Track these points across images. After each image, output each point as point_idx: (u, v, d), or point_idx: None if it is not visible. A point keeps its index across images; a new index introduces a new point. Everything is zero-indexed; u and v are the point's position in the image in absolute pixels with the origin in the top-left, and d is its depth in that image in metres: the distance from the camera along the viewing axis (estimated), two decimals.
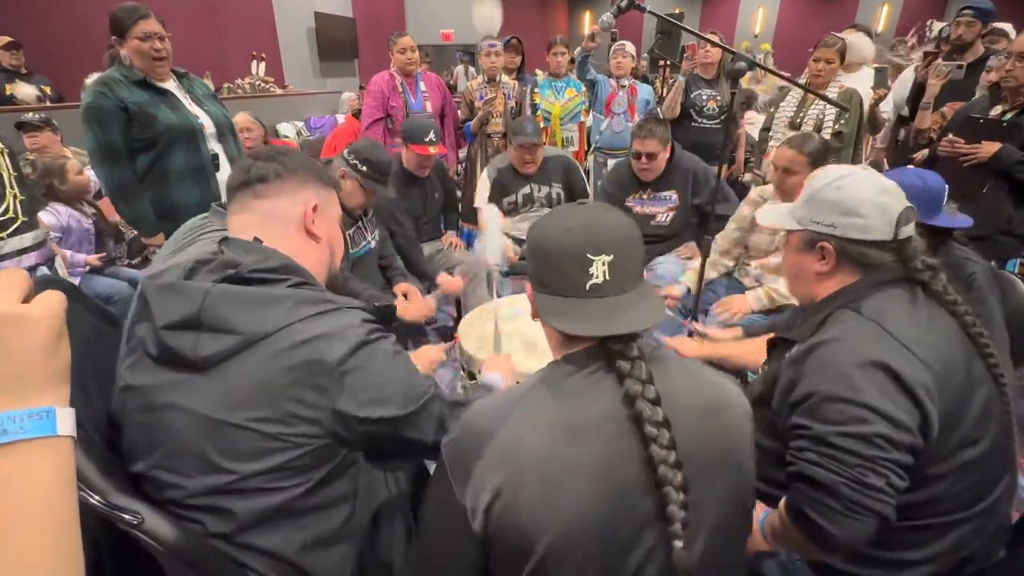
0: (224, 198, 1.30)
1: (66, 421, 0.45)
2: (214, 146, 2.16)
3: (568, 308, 0.71)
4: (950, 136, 2.30)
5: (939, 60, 2.92)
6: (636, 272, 0.74)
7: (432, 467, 0.83)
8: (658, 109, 3.63)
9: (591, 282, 0.70)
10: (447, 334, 2.95)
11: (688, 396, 0.70)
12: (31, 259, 1.46)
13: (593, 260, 0.70)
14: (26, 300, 0.44)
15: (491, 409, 0.71)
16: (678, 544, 0.61)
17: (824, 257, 0.97)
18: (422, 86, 3.19)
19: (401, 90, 3.10)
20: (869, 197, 0.92)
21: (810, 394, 0.86)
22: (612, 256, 0.70)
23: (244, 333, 0.74)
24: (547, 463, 0.64)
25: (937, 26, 4.29)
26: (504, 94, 3.31)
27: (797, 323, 1.03)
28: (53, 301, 0.45)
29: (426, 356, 1.43)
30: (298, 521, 0.79)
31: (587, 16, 11.50)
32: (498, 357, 1.41)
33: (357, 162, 1.87)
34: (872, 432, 0.80)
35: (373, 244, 2.12)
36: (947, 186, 1.31)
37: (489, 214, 2.10)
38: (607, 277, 0.70)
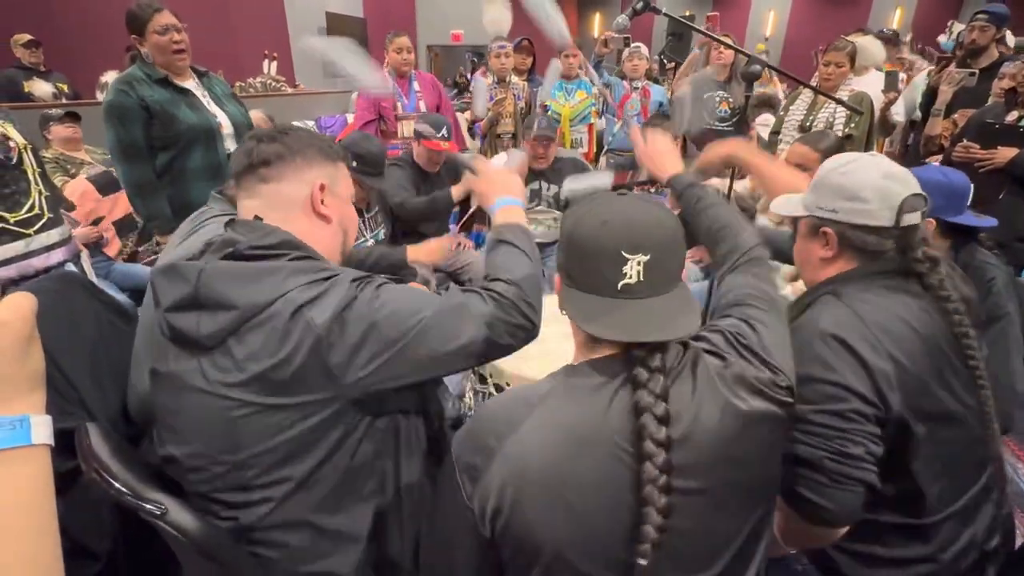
0: None
1: (41, 429, 0.42)
2: (231, 145, 2.18)
3: (596, 308, 0.67)
4: (965, 142, 2.28)
5: (951, 66, 2.89)
6: (674, 274, 0.70)
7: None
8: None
9: (623, 282, 0.66)
10: None
11: (710, 418, 0.66)
12: (58, 255, 1.46)
13: (628, 259, 0.65)
14: None
15: (504, 413, 0.69)
16: (642, 562, 0.60)
17: (827, 243, 0.97)
18: (416, 86, 3.15)
19: (393, 91, 3.06)
20: (872, 181, 0.90)
21: None
22: (649, 256, 0.65)
23: (241, 307, 0.73)
24: (555, 475, 0.63)
25: (957, 27, 4.26)
26: (514, 95, 3.32)
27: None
28: (23, 304, 0.43)
29: (427, 247, 1.25)
30: (322, 491, 0.79)
31: (597, 18, 11.48)
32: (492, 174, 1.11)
33: (355, 161, 1.87)
34: (847, 408, 0.83)
35: (371, 242, 2.11)
36: (971, 185, 1.30)
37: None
38: (641, 278, 0.66)
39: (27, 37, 3.93)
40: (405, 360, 0.77)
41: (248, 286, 0.74)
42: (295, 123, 5.57)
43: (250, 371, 0.73)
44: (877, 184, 0.90)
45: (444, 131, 2.35)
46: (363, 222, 2.07)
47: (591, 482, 0.63)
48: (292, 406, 0.74)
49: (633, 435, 0.62)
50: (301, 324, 0.73)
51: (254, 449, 0.75)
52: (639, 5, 1.62)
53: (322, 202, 0.89)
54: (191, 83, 2.09)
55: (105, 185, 2.66)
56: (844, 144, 2.15)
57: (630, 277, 0.66)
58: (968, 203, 1.30)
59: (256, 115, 3.14)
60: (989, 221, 1.31)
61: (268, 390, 0.73)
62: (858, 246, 0.94)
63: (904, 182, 0.91)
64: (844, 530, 0.87)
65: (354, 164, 1.85)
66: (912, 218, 0.89)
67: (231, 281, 0.75)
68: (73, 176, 2.93)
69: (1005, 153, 2.14)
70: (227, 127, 2.15)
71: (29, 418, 0.42)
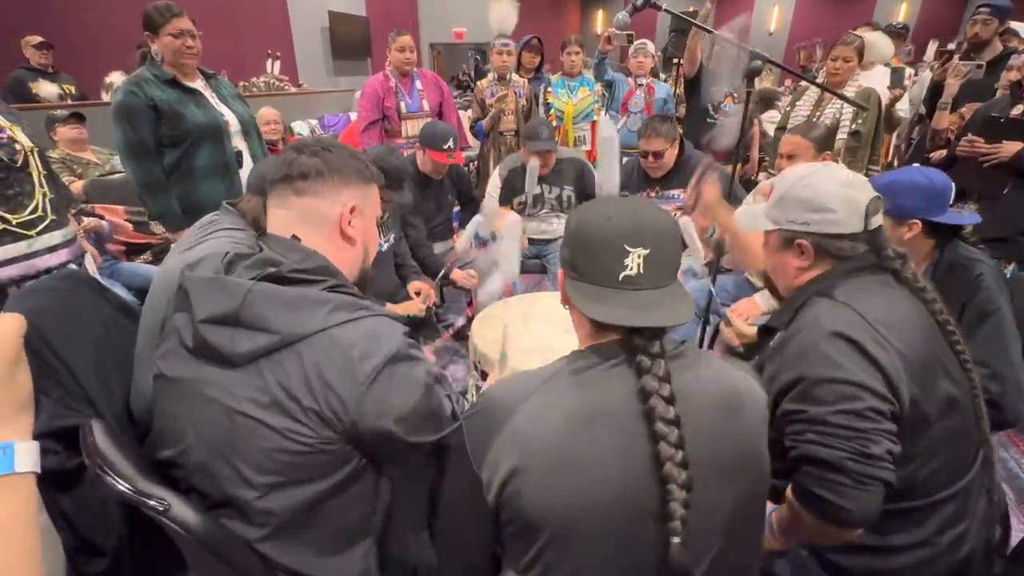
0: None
1: (26, 457, 0.41)
2: (238, 143, 2.23)
3: (599, 296, 0.71)
4: (970, 136, 2.26)
5: (955, 59, 2.87)
6: (671, 269, 0.74)
7: None
8: (674, 109, 3.61)
9: (624, 273, 0.70)
10: (460, 333, 2.96)
11: (706, 396, 0.71)
12: (61, 256, 1.48)
13: (629, 252, 0.70)
14: None
15: (512, 389, 0.72)
16: (675, 540, 0.63)
17: (803, 253, 1.00)
18: (418, 84, 3.14)
19: (396, 90, 3.06)
20: (836, 192, 0.95)
21: (798, 380, 0.89)
22: (649, 250, 0.70)
23: (281, 334, 0.74)
24: (560, 451, 0.66)
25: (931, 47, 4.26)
26: (515, 92, 3.31)
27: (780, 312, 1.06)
28: (8, 327, 0.42)
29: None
30: (319, 521, 0.80)
31: (599, 15, 11.46)
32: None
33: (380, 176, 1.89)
34: (864, 407, 0.83)
35: (384, 247, 2.14)
36: (954, 184, 1.32)
37: (510, 225, 2.02)
38: (641, 270, 0.70)
39: (38, 39, 3.94)
40: (414, 443, 0.81)
41: (292, 313, 0.75)
42: (298, 123, 5.62)
43: (275, 395, 0.74)
44: (840, 193, 0.94)
45: (451, 142, 2.34)
46: (377, 227, 2.08)
47: (595, 457, 0.66)
48: (308, 436, 0.75)
49: (642, 417, 0.65)
50: (338, 362, 0.74)
51: (257, 468, 0.75)
52: (639, 2, 1.62)
53: (350, 223, 0.90)
54: (199, 83, 2.14)
55: (138, 222, 2.69)
56: (835, 134, 2.12)
57: (631, 269, 0.70)
58: (951, 202, 1.31)
59: (268, 111, 3.18)
60: (972, 219, 1.33)
61: (289, 416, 0.74)
62: (834, 253, 0.97)
63: (862, 187, 0.96)
64: (860, 531, 0.88)
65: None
66: (877, 219, 0.95)
67: (277, 306, 0.75)
68: (80, 176, 2.95)
69: (1010, 147, 2.13)
70: (234, 125, 2.20)
71: (14, 445, 0.41)
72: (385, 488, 0.86)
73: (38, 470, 0.42)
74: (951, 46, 4.53)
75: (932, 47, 5.66)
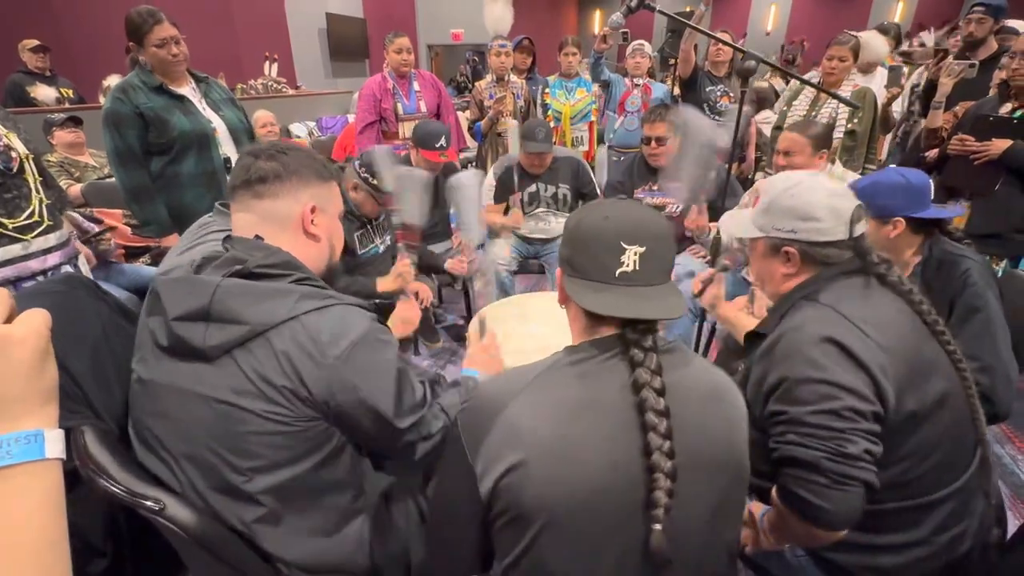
0: None
1: (55, 444, 0.43)
2: (228, 150, 2.20)
3: (596, 291, 0.74)
4: (960, 134, 2.28)
5: (950, 58, 2.88)
6: (665, 268, 0.77)
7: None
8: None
9: (621, 269, 0.73)
10: (458, 333, 2.97)
11: (693, 390, 0.73)
12: (55, 258, 1.50)
13: (626, 249, 0.73)
14: (8, 319, 0.43)
15: (505, 383, 0.75)
16: (657, 527, 0.65)
17: (790, 260, 1.03)
18: (416, 86, 3.14)
19: (393, 91, 3.06)
20: (822, 201, 0.97)
21: (782, 380, 0.90)
22: (645, 248, 0.73)
23: (251, 324, 0.77)
24: (557, 442, 0.68)
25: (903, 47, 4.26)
26: (513, 94, 3.32)
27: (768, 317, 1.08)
28: (37, 320, 0.44)
29: (401, 315, 1.48)
30: (307, 502, 0.83)
31: (597, 15, 11.47)
32: (482, 347, 1.36)
33: (368, 175, 1.93)
34: (841, 406, 0.84)
35: (382, 248, 2.16)
36: (946, 182, 1.33)
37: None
38: (637, 267, 0.73)
39: (35, 42, 3.94)
40: (385, 423, 0.84)
41: (260, 304, 0.78)
42: (297, 124, 5.63)
43: (252, 381, 0.76)
44: (826, 203, 0.97)
45: (443, 140, 2.36)
46: (372, 229, 2.12)
47: (589, 448, 0.68)
48: (285, 414, 0.77)
49: (634, 408, 0.68)
50: (309, 346, 0.77)
51: (241, 453, 0.78)
52: (633, 3, 1.63)
53: (312, 222, 0.93)
54: (187, 89, 2.12)
55: (136, 225, 2.70)
56: (832, 131, 2.13)
57: (627, 266, 0.73)
58: (931, 197, 1.34)
59: (264, 114, 3.18)
60: (954, 211, 1.35)
61: (265, 399, 0.76)
62: (820, 260, 1.00)
63: (846, 196, 0.98)
64: (844, 532, 0.88)
65: (374, 182, 1.89)
66: (861, 226, 0.98)
67: (245, 298, 0.78)
68: (78, 180, 2.96)
69: (999, 144, 2.14)
70: (222, 131, 2.17)
71: (43, 432, 0.43)
72: (369, 465, 0.89)
73: (64, 457, 0.44)
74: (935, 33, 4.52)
75: (903, 47, 5.68)
